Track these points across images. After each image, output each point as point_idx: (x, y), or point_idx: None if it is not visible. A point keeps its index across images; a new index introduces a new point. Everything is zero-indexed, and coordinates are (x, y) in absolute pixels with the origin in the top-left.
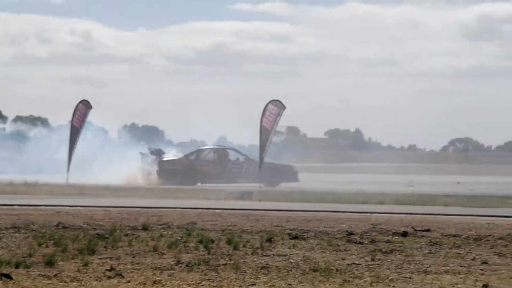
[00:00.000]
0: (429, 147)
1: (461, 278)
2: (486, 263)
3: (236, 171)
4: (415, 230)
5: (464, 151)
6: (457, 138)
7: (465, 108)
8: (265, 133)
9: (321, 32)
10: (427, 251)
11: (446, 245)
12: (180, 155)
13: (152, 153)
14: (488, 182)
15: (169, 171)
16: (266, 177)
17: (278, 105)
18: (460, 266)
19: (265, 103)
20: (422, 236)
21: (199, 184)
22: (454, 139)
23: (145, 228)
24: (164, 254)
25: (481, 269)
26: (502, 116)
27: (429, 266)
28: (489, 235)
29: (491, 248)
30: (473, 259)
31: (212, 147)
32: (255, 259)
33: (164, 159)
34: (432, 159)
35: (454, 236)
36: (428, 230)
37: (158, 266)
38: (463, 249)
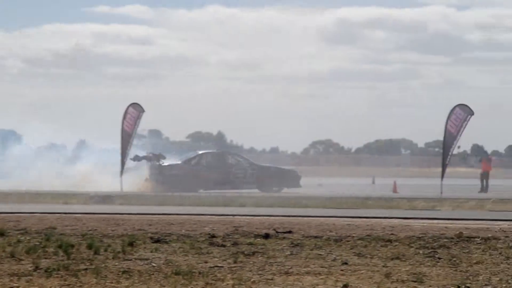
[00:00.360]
0: (291, 150)
1: (322, 278)
2: (346, 263)
3: (240, 176)
4: (277, 232)
5: (325, 153)
6: (318, 140)
7: (325, 111)
8: (126, 136)
9: (182, 35)
10: (289, 253)
11: (307, 247)
12: (179, 160)
13: (150, 158)
14: (349, 184)
15: (170, 177)
16: (269, 183)
17: (137, 108)
18: (321, 267)
19: (126, 106)
20: (284, 238)
21: (201, 191)
22: (316, 141)
23: (1, 233)
24: (22, 260)
25: (341, 270)
26: (361, 118)
27: (291, 268)
28: (349, 236)
29: (351, 249)
30: (334, 259)
31: (213, 151)
32: (117, 264)
33: (164, 164)
34: (294, 161)
35: (315, 237)
36: (290, 232)
37: (15, 272)
38: (324, 250)
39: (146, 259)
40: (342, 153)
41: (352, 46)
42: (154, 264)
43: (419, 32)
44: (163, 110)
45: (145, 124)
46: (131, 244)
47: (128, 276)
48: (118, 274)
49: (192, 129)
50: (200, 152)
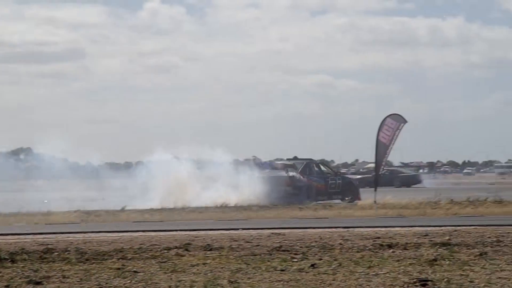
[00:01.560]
0: None
1: None
2: None
3: (333, 187)
4: None
5: None
6: None
7: None
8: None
9: None
10: None
11: None
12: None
13: (277, 167)
14: None
15: (298, 189)
16: (347, 193)
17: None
18: None
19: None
20: None
21: (314, 202)
22: None
23: None
24: None
25: None
26: None
27: None
28: None
29: None
30: None
31: (310, 160)
32: None
33: (291, 175)
34: None
35: None
36: None
37: None
38: None
39: None
40: None
41: None
42: None
43: None
44: None
45: None
46: None
47: None
48: None
49: None
50: (305, 161)
